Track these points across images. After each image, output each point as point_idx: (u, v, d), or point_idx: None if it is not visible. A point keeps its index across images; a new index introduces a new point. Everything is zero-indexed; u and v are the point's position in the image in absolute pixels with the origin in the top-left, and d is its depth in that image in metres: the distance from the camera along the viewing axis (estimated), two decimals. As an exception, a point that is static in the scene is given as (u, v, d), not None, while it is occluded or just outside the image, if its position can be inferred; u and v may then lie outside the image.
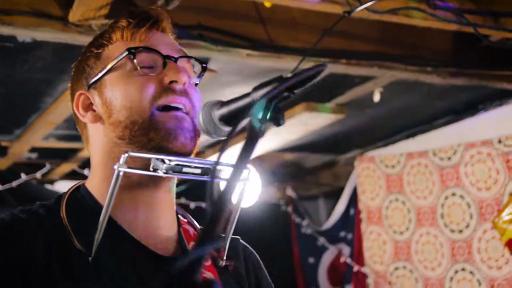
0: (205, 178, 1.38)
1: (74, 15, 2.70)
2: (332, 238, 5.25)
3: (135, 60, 1.43)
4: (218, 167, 1.38)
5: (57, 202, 1.45)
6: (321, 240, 5.28)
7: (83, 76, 1.52)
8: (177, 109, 1.42)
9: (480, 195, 3.96)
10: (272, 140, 4.50)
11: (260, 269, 1.66)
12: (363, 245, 4.78)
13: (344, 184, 5.16)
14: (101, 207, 1.39)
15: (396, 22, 3.02)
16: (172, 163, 1.34)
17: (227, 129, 1.33)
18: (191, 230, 1.58)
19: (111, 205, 1.33)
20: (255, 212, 5.24)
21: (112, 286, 1.33)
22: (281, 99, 1.12)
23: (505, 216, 3.73)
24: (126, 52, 1.44)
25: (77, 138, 4.42)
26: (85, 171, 4.79)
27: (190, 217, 1.61)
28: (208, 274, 1.47)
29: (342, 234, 5.20)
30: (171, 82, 1.42)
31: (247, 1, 3.03)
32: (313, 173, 5.82)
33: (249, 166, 1.42)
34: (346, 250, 5.13)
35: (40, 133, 4.12)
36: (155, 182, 1.44)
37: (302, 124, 4.12)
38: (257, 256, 1.69)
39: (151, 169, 1.34)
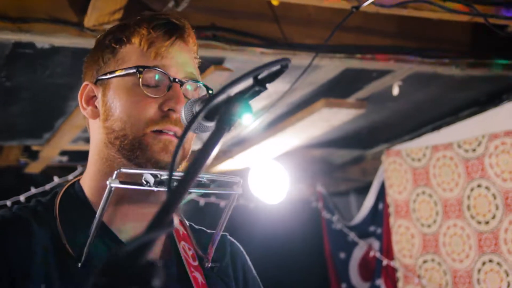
0: (195, 190, 1.43)
1: (89, 21, 2.78)
2: (362, 233, 5.26)
3: (140, 79, 1.47)
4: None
5: (52, 199, 1.50)
6: (351, 235, 5.29)
7: (95, 67, 1.57)
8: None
9: (505, 186, 3.93)
10: (297, 136, 4.54)
11: (247, 265, 1.70)
12: (392, 239, 4.77)
13: (372, 179, 5.15)
14: (91, 206, 1.45)
15: (412, 15, 3.04)
16: (163, 178, 1.38)
17: (209, 124, 1.37)
18: (181, 229, 1.62)
19: (101, 219, 1.37)
20: (285, 209, 5.28)
21: None
22: (252, 94, 1.16)
23: (530, 206, 3.71)
24: (134, 69, 1.48)
25: (105, 140, 4.51)
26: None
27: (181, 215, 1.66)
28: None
29: (372, 228, 5.20)
30: (169, 109, 1.47)
31: (260, 0, 3.07)
32: (341, 168, 5.83)
33: (240, 180, 1.46)
34: (375, 244, 5.13)
35: (69, 136, 4.22)
36: (144, 196, 1.49)
37: (324, 120, 4.15)
38: (244, 252, 1.73)
39: (143, 182, 1.39)
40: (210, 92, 1.58)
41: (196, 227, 1.70)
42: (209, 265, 1.56)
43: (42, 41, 2.83)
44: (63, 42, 2.84)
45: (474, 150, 4.13)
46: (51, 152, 4.58)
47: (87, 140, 4.44)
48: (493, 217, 4.01)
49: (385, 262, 4.85)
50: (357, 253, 5.39)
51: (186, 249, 1.56)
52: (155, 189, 1.38)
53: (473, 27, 3.50)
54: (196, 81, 1.56)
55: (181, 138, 1.05)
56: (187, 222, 1.66)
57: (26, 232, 1.39)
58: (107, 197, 1.36)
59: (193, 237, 1.61)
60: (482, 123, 4.15)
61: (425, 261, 4.50)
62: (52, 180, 4.50)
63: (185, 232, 1.62)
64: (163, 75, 1.49)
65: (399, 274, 4.70)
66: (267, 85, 1.18)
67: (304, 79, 3.47)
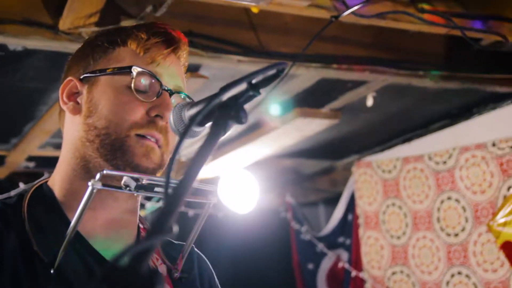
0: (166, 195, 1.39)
1: (64, 23, 2.73)
2: (331, 244, 5.25)
3: (133, 80, 1.44)
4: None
5: (19, 201, 1.42)
6: (320, 246, 5.28)
7: (82, 63, 1.52)
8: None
9: (475, 199, 3.96)
10: (270, 146, 4.52)
11: (213, 279, 1.67)
12: (361, 250, 4.78)
13: (342, 190, 5.16)
14: (61, 209, 1.40)
15: (388, 27, 3.05)
16: (145, 182, 1.35)
17: (198, 129, 1.34)
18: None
19: (78, 223, 1.32)
20: (254, 219, 5.25)
21: None
22: (246, 99, 1.13)
23: (499, 219, 3.74)
24: (128, 69, 1.45)
25: (74, 146, 4.44)
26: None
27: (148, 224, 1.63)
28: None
29: (341, 239, 5.20)
30: (157, 115, 1.44)
31: (238, 8, 3.05)
32: (311, 179, 5.82)
33: (215, 189, 1.44)
34: (344, 255, 5.13)
35: (37, 142, 4.14)
36: (119, 201, 1.46)
37: (298, 130, 4.14)
38: (210, 265, 1.69)
39: (123, 186, 1.34)
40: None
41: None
42: (178, 275, 1.53)
43: (15, 43, 2.77)
44: (37, 44, 2.78)
45: (445, 162, 4.16)
46: (17, 157, 4.49)
47: (55, 146, 4.37)
48: (463, 230, 4.04)
49: (354, 273, 4.85)
50: (326, 264, 5.38)
51: (153, 259, 1.53)
52: (136, 193, 1.35)
53: (447, 40, 3.53)
54: (186, 95, 1.53)
55: (180, 140, 1.01)
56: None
57: None
58: (87, 200, 1.29)
59: (160, 247, 1.57)
60: (453, 136, 4.19)
61: (394, 273, 4.51)
62: (18, 186, 4.42)
63: None
64: (156, 81, 1.46)
65: (368, 286, 4.71)
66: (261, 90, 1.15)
67: (279, 88, 3.47)
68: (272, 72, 1.11)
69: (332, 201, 5.55)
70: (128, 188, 1.34)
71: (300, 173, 5.83)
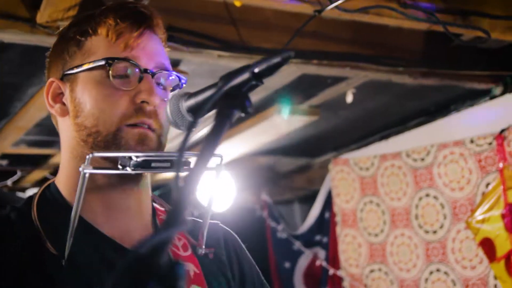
0: (173, 171, 1.36)
1: (42, 17, 2.66)
2: (308, 242, 5.24)
3: (110, 72, 1.39)
4: (186, 157, 1.37)
5: (27, 204, 1.42)
6: (297, 244, 5.27)
7: (60, 61, 1.48)
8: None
9: (454, 195, 3.96)
10: (246, 143, 4.49)
11: (242, 252, 1.64)
12: (339, 248, 4.77)
13: (319, 188, 5.15)
14: (70, 206, 1.37)
15: (368, 23, 3.03)
16: (140, 159, 1.32)
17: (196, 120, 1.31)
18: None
19: (79, 209, 1.31)
20: (230, 217, 5.20)
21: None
22: (249, 88, 1.10)
23: (478, 215, 3.74)
24: (103, 62, 1.40)
25: (48, 144, 4.37)
26: (57, 178, 4.74)
27: (168, 206, 1.60)
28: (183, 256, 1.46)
29: (318, 237, 5.19)
30: (142, 101, 1.40)
31: (218, 2, 3.01)
32: (287, 177, 5.81)
33: (221, 153, 1.40)
34: (321, 253, 5.12)
35: (10, 139, 4.06)
36: (123, 181, 1.43)
37: (275, 127, 4.11)
38: (238, 239, 1.67)
39: (119, 167, 1.32)
40: (183, 81, 1.50)
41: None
42: (203, 251, 1.49)
43: (-9, 36, 2.69)
44: (13, 38, 2.71)
45: (422, 159, 4.16)
46: (-10, 155, 4.41)
47: (30, 144, 4.29)
48: (441, 227, 4.04)
49: (331, 271, 4.84)
50: (302, 262, 5.37)
51: (175, 240, 1.49)
52: (133, 172, 1.31)
53: (426, 37, 3.52)
54: (168, 70, 1.48)
55: (187, 133, 0.97)
56: None
57: (0, 241, 1.32)
58: (81, 185, 1.29)
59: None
60: (431, 132, 4.19)
61: (372, 271, 4.50)
62: (-11, 184, 4.34)
63: None
64: (134, 66, 1.41)
65: (345, 284, 4.69)
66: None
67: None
68: (277, 60, 1.08)
69: (308, 199, 5.54)
70: (124, 168, 1.32)
71: (276, 171, 5.82)
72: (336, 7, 2.64)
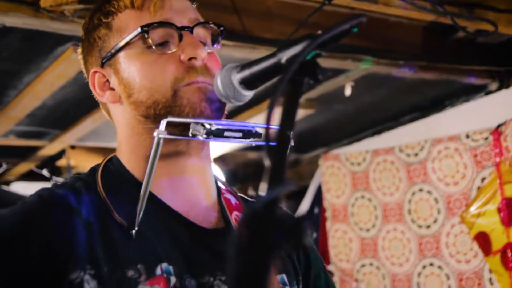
0: (246, 141, 1.33)
1: (46, 0, 2.61)
2: (296, 237, 5.21)
3: (149, 39, 1.36)
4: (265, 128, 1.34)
5: (91, 175, 1.40)
6: (285, 240, 5.24)
7: (95, 48, 1.45)
8: None
9: (448, 190, 3.97)
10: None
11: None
12: (329, 243, 4.75)
13: (308, 183, 5.12)
14: (135, 178, 1.36)
15: (368, 16, 3.02)
16: (213, 127, 1.29)
17: (248, 93, 1.28)
18: (233, 199, 1.52)
19: (152, 175, 1.29)
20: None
21: (155, 260, 1.29)
22: (313, 56, 1.07)
23: (473, 210, 3.76)
24: (139, 30, 1.36)
25: (38, 135, 4.29)
26: (44, 171, 4.67)
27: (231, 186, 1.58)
28: None
29: (307, 233, 5.17)
30: (190, 59, 1.36)
31: (219, -10, 2.99)
32: (276, 172, 5.77)
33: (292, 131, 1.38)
34: (310, 249, 5.10)
35: (0, 129, 3.98)
36: (190, 149, 1.39)
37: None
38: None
39: (190, 135, 1.29)
40: (222, 28, 1.48)
41: (249, 198, 1.59)
42: None
43: (-6, 19, 2.63)
44: (16, 22, 2.65)
45: (416, 154, 4.17)
46: (-23, 146, 4.32)
47: (19, 135, 4.22)
48: (435, 221, 4.05)
49: (321, 266, 4.81)
50: (291, 258, 5.34)
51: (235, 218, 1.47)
52: (206, 139, 1.29)
53: (425, 30, 3.52)
54: (204, 22, 1.44)
55: (273, 101, 0.94)
56: (238, 193, 1.56)
57: (67, 211, 1.29)
58: (156, 150, 1.27)
59: (245, 207, 1.50)
60: (425, 128, 4.20)
61: (363, 265, 4.50)
62: (-25, 176, 4.26)
63: (237, 202, 1.51)
64: (170, 27, 1.38)
65: (336, 279, 4.68)
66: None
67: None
68: (344, 28, 1.05)
69: (296, 195, 5.51)
70: (197, 135, 1.29)
71: (264, 166, 5.78)
72: (346, -4, 2.63)
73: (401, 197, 4.27)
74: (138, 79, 1.36)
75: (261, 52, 3.11)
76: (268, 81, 1.23)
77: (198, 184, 1.42)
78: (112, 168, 1.43)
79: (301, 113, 4.01)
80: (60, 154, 4.69)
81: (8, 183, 5.35)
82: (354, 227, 4.58)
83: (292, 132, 0.94)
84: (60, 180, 4.65)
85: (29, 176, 5.19)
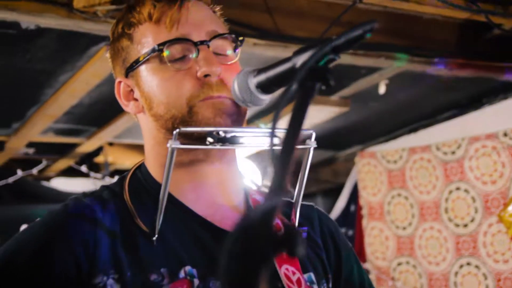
0: (261, 146, 1.35)
1: (79, 1, 2.64)
2: (333, 235, 5.20)
3: (165, 57, 1.38)
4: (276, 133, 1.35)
5: (119, 184, 1.45)
6: (321, 237, 5.23)
7: (120, 58, 1.48)
8: None
9: (485, 189, 3.92)
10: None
11: (338, 234, 1.61)
12: (365, 241, 4.73)
13: (343, 181, 5.11)
14: (160, 184, 1.38)
15: (402, 13, 3.00)
16: (228, 135, 1.31)
17: (265, 97, 1.29)
18: (262, 200, 1.53)
19: (168, 184, 1.33)
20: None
21: (178, 264, 1.32)
22: (327, 61, 1.07)
23: (511, 209, 3.70)
24: (155, 50, 1.39)
25: (76, 132, 4.36)
26: (82, 168, 4.73)
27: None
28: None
29: (343, 230, 5.15)
30: (206, 76, 1.37)
31: (253, -10, 2.99)
32: (312, 170, 5.75)
33: (312, 132, 1.41)
34: (347, 246, 5.08)
35: (39, 127, 4.05)
36: (211, 156, 1.41)
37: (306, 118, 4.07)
38: (335, 223, 1.65)
39: (207, 143, 1.32)
40: (241, 39, 1.48)
41: None
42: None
43: (28, 20, 2.67)
44: (50, 23, 2.69)
45: (453, 152, 4.12)
46: (17, 143, 4.39)
47: (57, 132, 4.28)
48: (472, 220, 4.00)
49: (357, 264, 4.79)
50: (327, 256, 5.33)
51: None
52: (219, 147, 1.32)
53: (461, 27, 3.47)
54: (221, 34, 1.44)
55: (281, 105, 0.95)
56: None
57: (89, 221, 1.34)
58: (170, 161, 1.31)
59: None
60: (462, 126, 4.15)
61: (399, 264, 4.47)
62: (15, 173, 4.33)
63: None
64: (185, 43, 1.39)
65: (372, 277, 4.65)
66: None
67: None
68: (357, 33, 1.05)
69: (331, 193, 5.50)
70: (211, 144, 1.32)
71: (300, 163, 5.77)
72: (377, -5, 2.61)
73: (438, 196, 4.22)
74: (157, 93, 1.39)
75: (293, 51, 3.10)
76: (284, 85, 1.23)
77: (221, 188, 1.44)
78: (140, 176, 1.47)
79: (336, 110, 3.99)
80: (98, 151, 4.75)
81: (48, 179, 5.43)
82: (390, 225, 4.54)
83: (296, 138, 0.94)
84: (98, 176, 4.72)
85: (69, 172, 5.27)
